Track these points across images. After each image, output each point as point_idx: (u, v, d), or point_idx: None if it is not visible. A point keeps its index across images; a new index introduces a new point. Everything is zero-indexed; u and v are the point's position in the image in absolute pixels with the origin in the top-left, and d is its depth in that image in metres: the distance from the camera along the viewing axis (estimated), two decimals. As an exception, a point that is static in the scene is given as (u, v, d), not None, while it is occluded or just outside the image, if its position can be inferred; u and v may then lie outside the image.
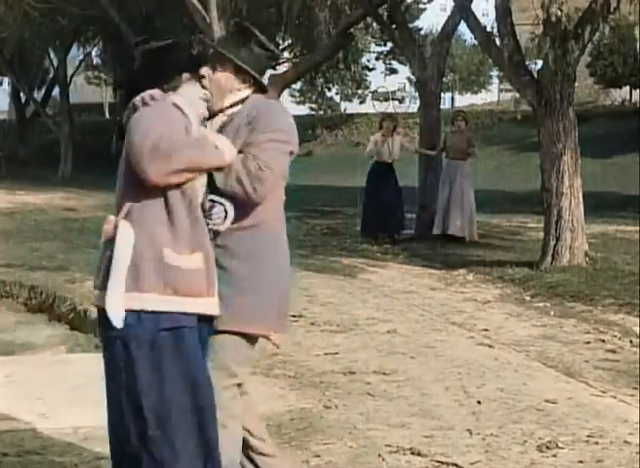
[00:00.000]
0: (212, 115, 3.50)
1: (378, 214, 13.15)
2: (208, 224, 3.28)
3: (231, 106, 3.51)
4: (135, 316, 3.09)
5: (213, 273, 3.22)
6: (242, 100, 3.51)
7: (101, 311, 3.13)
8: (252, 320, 3.40)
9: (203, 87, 3.40)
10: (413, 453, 4.48)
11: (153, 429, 3.09)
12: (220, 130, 3.45)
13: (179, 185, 3.15)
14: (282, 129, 3.42)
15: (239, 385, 3.44)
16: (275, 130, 3.39)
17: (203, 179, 3.25)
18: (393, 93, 40.56)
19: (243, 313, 3.38)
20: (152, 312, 3.10)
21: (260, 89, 3.56)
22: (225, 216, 3.31)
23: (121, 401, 3.15)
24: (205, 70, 3.47)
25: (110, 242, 3.14)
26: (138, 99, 3.20)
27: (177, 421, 3.11)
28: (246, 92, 3.53)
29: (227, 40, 3.59)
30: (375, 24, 25.18)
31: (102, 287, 3.13)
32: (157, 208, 3.15)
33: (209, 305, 3.21)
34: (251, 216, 3.39)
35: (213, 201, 3.30)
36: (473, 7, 12.68)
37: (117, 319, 3.08)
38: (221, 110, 3.51)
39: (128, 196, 3.16)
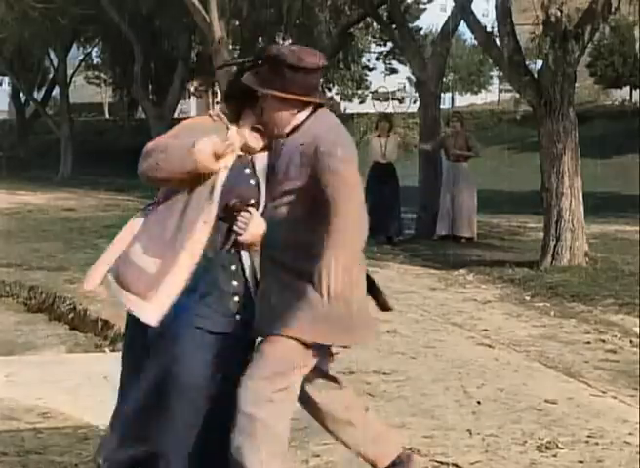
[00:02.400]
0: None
1: (373, 215, 13.06)
2: (233, 227, 3.35)
3: (292, 131, 3.47)
4: None
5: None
6: (302, 123, 3.47)
7: None
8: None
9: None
10: (413, 453, 4.47)
11: None
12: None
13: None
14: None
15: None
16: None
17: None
18: (393, 93, 40.64)
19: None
20: None
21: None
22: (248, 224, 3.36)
23: None
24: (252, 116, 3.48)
25: None
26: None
27: None
28: (305, 113, 3.49)
29: (261, 73, 3.45)
30: (375, 24, 25.23)
31: None
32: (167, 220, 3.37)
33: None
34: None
35: (247, 204, 3.37)
36: (473, 7, 12.71)
37: None
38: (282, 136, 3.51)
39: None
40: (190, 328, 3.34)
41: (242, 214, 3.37)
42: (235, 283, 3.42)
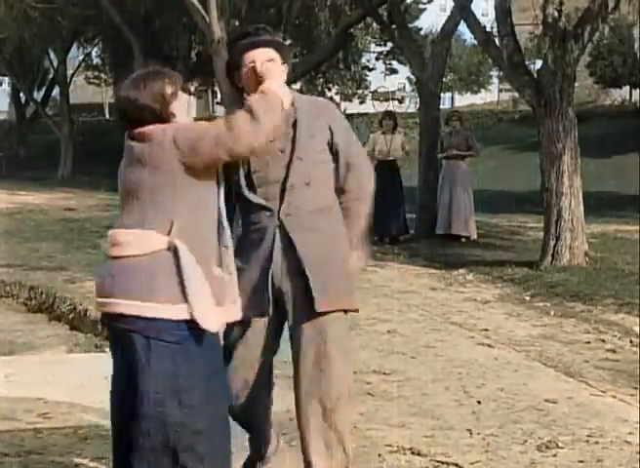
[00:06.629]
0: None
1: (379, 214, 13.03)
2: None
3: None
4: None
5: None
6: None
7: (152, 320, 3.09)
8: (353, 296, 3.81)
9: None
10: (413, 453, 4.48)
11: None
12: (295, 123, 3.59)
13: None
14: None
15: None
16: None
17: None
18: (393, 93, 40.68)
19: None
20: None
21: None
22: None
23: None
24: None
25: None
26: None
27: None
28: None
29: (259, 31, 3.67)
30: (375, 24, 25.24)
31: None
32: (206, 223, 3.22)
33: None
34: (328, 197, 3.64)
35: None
36: (473, 7, 12.69)
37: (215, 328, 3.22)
38: None
39: (175, 212, 3.14)
40: None
41: None
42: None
